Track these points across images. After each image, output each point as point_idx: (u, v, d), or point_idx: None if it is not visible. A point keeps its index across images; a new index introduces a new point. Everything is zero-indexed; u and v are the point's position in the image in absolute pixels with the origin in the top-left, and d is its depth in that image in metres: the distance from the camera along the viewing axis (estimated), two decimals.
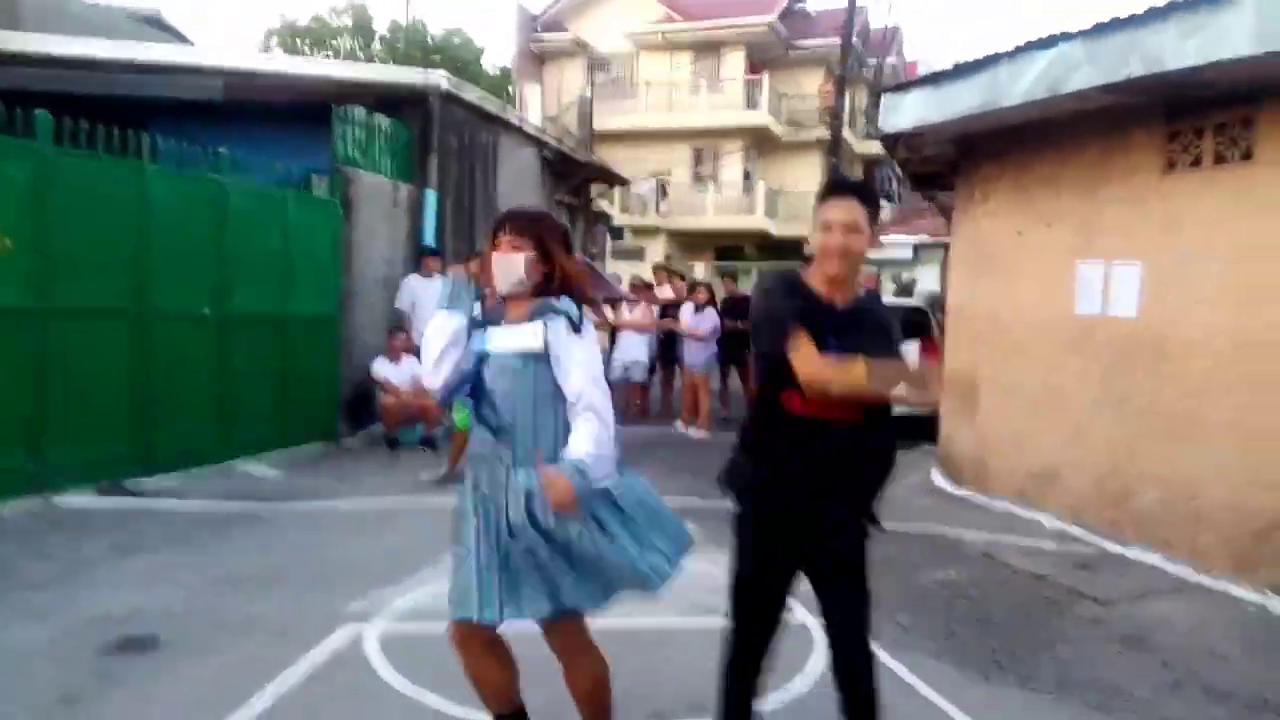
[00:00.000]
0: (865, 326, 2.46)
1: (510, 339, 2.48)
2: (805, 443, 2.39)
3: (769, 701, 2.97)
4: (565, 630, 2.54)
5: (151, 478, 6.12)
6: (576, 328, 2.46)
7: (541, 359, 2.43)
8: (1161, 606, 4.58)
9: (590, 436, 2.38)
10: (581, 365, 2.44)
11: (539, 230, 2.55)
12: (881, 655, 3.54)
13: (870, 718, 2.50)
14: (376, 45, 29.29)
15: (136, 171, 6.21)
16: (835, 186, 2.57)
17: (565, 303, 2.48)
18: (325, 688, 3.34)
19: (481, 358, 2.50)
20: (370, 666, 3.52)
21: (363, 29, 29.02)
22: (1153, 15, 4.75)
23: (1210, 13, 4.47)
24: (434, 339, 2.55)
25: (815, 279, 2.49)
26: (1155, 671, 3.80)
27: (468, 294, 2.56)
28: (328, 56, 28.59)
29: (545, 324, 2.44)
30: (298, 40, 28.27)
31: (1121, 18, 4.93)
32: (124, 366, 6.07)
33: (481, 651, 2.56)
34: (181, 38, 19.43)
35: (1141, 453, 5.50)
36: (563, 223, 2.71)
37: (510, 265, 2.49)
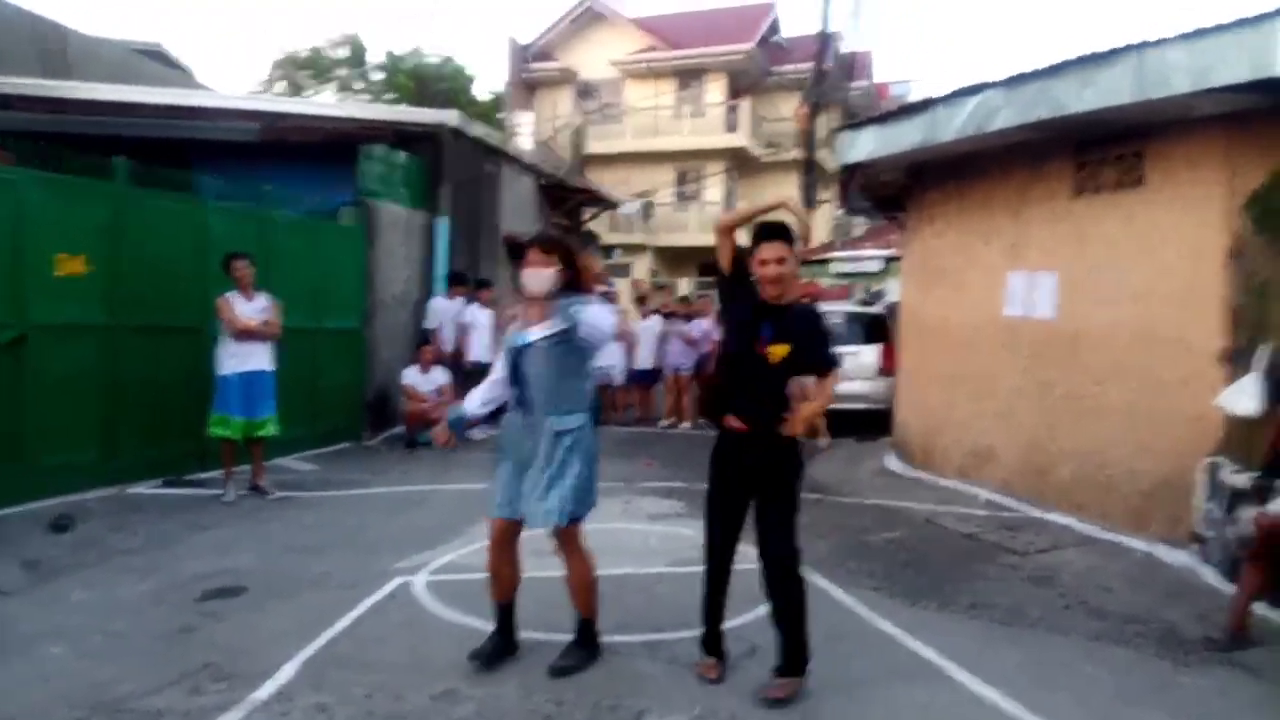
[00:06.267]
0: (792, 318, 3.43)
1: (541, 330, 3.44)
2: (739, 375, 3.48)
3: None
4: (561, 536, 3.52)
5: (209, 473, 6.93)
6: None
7: (564, 340, 3.36)
8: (1068, 555, 5.51)
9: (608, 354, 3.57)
10: (606, 318, 3.45)
11: (565, 247, 3.51)
12: (831, 590, 4.49)
13: (785, 604, 3.37)
14: (375, 76, 30.26)
15: (198, 207, 7.12)
16: (764, 232, 3.47)
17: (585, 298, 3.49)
18: (387, 616, 4.22)
19: (521, 349, 3.44)
20: (419, 603, 4.40)
21: (358, 59, 30.05)
22: (1056, 69, 5.74)
23: (1097, 68, 5.46)
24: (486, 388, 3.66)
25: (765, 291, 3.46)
26: (1052, 600, 4.71)
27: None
28: (333, 91, 29.52)
29: (577, 311, 3.38)
30: (300, 72, 29.27)
31: (1031, 71, 5.93)
32: (184, 377, 6.88)
33: (504, 545, 3.57)
34: (181, 69, 20.38)
35: (1059, 431, 6.45)
36: (574, 239, 3.72)
37: (540, 276, 3.43)
